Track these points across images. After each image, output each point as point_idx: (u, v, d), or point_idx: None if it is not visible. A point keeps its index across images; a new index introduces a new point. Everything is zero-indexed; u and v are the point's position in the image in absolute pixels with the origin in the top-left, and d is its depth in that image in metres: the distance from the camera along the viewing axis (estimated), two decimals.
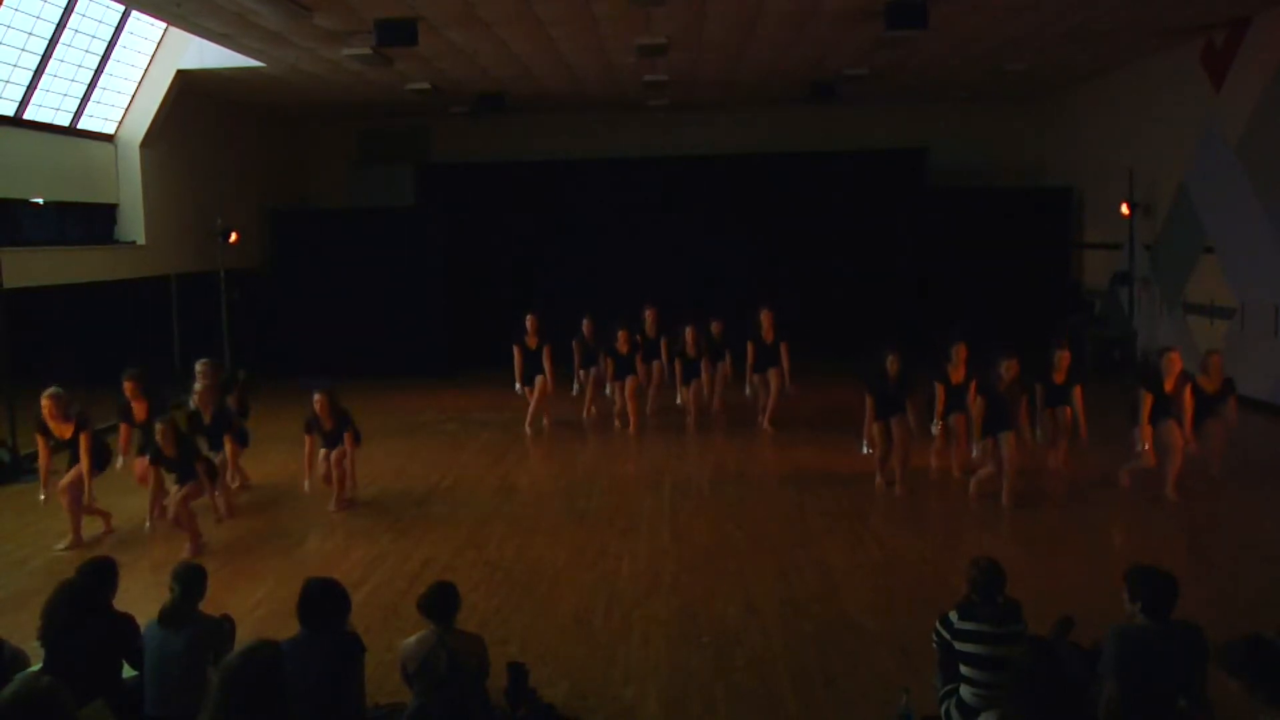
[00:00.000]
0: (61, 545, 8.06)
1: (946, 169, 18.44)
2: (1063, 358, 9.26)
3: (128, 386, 8.74)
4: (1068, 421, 9.32)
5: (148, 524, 8.38)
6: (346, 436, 8.97)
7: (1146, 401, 8.51)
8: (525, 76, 14.55)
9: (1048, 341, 9.62)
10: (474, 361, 16.45)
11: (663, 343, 12.18)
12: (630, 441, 11.62)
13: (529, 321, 12.07)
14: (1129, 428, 8.89)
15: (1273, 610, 5.49)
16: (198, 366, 9.44)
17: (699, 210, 18.24)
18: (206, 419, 9.09)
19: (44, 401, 8.19)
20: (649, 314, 12.25)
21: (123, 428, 8.92)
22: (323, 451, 9.16)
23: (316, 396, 8.95)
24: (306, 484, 9.14)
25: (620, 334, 11.94)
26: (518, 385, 12.15)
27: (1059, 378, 9.24)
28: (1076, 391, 9.23)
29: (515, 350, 12.11)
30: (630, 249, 17.96)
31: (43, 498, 8.37)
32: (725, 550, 7.64)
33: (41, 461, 8.38)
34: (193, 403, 9.24)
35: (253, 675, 3.16)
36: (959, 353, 9.22)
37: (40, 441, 8.31)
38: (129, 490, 9.10)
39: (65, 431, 8.18)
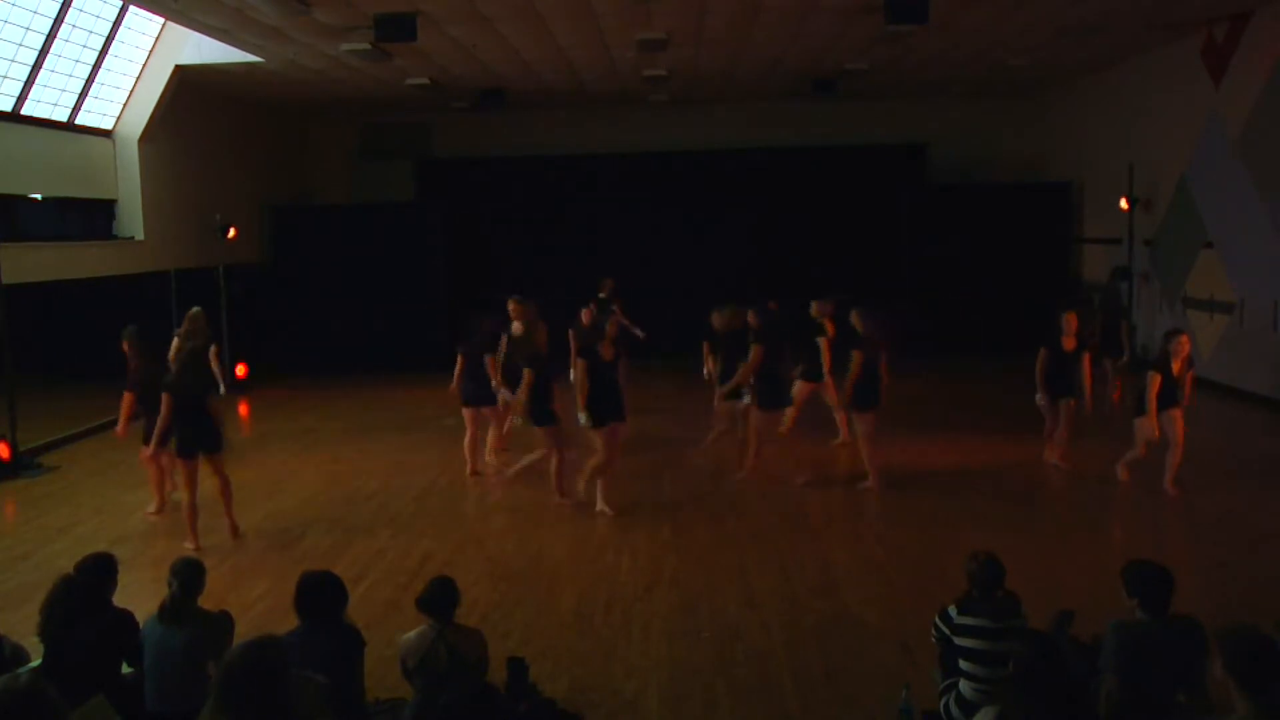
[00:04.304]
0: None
1: (947, 164, 18.44)
2: (1070, 320, 9.03)
3: (125, 346, 8.64)
4: (1071, 412, 9.29)
5: (151, 509, 8.39)
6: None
7: (1155, 382, 8.34)
8: (525, 72, 14.53)
9: (1055, 306, 9.38)
10: None
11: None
12: (629, 435, 11.57)
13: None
14: (1133, 417, 8.79)
15: (1271, 603, 5.49)
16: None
17: (698, 205, 18.22)
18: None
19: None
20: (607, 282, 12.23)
21: (127, 396, 8.67)
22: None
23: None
24: None
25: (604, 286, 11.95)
26: (585, 417, 8.27)
27: (1069, 344, 9.04)
28: (1085, 359, 9.11)
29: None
30: (630, 243, 17.93)
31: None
32: (725, 545, 7.64)
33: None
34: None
35: (252, 670, 3.13)
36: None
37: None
38: (129, 486, 9.10)
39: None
